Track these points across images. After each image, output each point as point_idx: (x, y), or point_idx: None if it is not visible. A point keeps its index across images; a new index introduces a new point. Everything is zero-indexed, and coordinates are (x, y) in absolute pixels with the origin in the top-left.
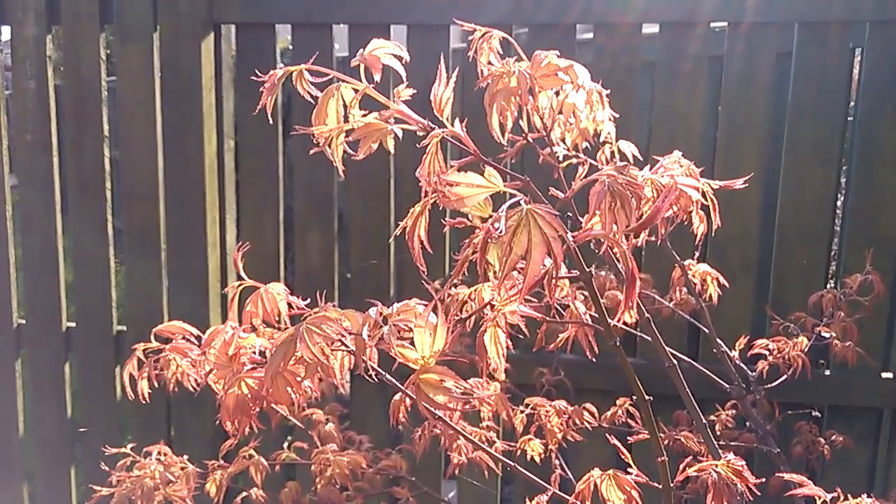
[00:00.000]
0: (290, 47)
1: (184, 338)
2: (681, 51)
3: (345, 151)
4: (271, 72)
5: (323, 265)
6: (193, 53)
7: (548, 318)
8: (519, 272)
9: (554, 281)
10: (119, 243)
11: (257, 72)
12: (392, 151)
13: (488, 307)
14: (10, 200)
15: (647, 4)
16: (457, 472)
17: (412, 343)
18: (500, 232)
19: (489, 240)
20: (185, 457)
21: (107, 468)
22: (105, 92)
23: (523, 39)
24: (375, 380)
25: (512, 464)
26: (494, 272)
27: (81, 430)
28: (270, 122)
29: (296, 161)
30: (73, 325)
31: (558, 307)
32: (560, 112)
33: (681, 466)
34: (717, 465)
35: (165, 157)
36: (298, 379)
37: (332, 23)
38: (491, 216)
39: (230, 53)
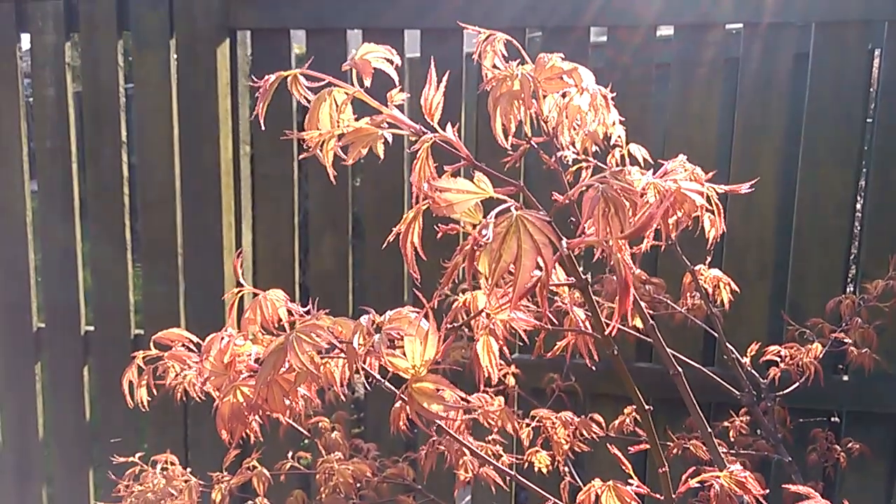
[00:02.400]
0: (306, 52)
1: (183, 345)
2: (696, 53)
3: (356, 157)
4: (265, 76)
5: (338, 268)
6: (209, 59)
7: (545, 326)
8: (509, 279)
9: (545, 289)
10: (137, 248)
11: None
12: (406, 154)
13: (484, 315)
14: (31, 206)
15: (662, 7)
16: (469, 482)
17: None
18: (487, 239)
19: (477, 247)
20: (200, 467)
21: (118, 476)
22: (123, 98)
23: (537, 43)
24: (369, 388)
25: (518, 476)
26: (486, 279)
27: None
28: (264, 127)
29: (311, 165)
30: (92, 329)
31: (559, 314)
32: (566, 115)
33: (683, 477)
34: (720, 476)
35: (182, 163)
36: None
37: (346, 28)
38: (482, 222)
39: (246, 59)
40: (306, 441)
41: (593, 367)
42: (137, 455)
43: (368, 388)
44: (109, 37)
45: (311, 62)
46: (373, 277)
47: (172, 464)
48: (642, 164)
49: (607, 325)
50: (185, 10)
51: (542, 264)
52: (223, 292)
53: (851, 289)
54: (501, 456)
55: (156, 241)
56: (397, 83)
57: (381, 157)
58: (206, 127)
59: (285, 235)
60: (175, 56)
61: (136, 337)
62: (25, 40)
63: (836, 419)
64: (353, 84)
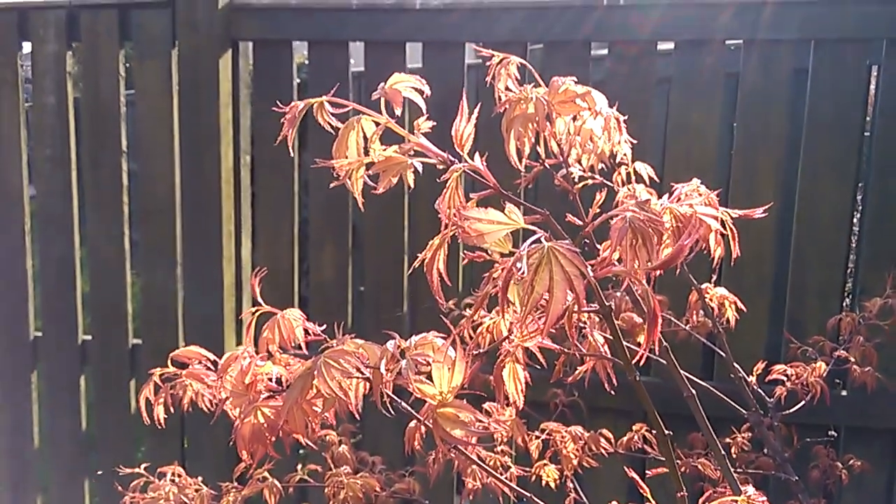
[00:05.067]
0: (307, 62)
1: (199, 362)
2: (696, 68)
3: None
4: (292, 104)
5: (337, 278)
6: (211, 70)
7: (567, 351)
8: (540, 309)
9: (577, 317)
10: (135, 256)
11: (274, 89)
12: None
13: (507, 340)
14: (29, 212)
15: (663, 21)
16: (471, 497)
17: (429, 377)
18: (523, 273)
19: (511, 279)
20: (200, 478)
21: (120, 485)
22: (123, 106)
23: (538, 55)
24: (392, 414)
25: (525, 493)
26: (514, 309)
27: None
28: (289, 149)
29: (311, 175)
30: (89, 337)
31: (576, 336)
32: (578, 135)
33: (699, 501)
34: (737, 501)
35: (182, 172)
36: (316, 409)
37: (348, 39)
38: (511, 252)
39: (247, 69)
40: (302, 451)
41: (612, 392)
42: (143, 466)
43: (392, 412)
44: (111, 47)
45: (314, 73)
46: (372, 287)
47: (179, 475)
48: (647, 182)
49: (629, 348)
50: (188, 21)
51: (573, 294)
52: (222, 302)
53: (849, 301)
54: (510, 467)
55: (155, 249)
56: (424, 111)
57: (412, 185)
58: (207, 137)
59: (285, 245)
60: (177, 66)
61: (133, 346)
62: (26, 47)
63: (834, 433)
64: (358, 100)
